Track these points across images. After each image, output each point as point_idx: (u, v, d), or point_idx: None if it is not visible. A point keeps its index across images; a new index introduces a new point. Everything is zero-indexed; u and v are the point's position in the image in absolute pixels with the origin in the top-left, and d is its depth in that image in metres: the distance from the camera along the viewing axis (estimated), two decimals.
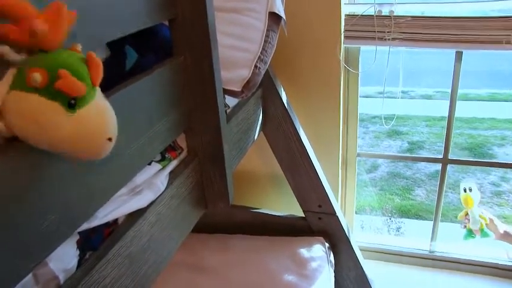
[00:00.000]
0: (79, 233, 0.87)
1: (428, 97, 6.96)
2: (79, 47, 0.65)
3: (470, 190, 2.08)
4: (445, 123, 2.19)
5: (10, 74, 0.60)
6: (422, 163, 5.35)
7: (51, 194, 0.70)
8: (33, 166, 0.66)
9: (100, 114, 0.65)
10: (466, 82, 6.47)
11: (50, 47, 0.60)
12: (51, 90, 0.58)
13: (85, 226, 0.85)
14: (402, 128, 6.07)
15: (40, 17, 0.57)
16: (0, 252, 0.62)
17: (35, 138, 0.61)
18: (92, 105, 0.63)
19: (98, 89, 0.66)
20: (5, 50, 0.58)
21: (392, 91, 2.25)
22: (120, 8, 0.85)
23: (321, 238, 2.01)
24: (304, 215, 2.05)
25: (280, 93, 1.82)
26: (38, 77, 0.57)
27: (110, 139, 0.66)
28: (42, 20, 0.57)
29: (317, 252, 1.93)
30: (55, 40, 0.60)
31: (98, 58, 0.63)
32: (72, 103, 0.60)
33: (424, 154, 5.63)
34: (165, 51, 1.11)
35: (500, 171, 5.06)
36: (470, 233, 2.10)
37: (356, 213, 2.58)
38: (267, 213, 2.12)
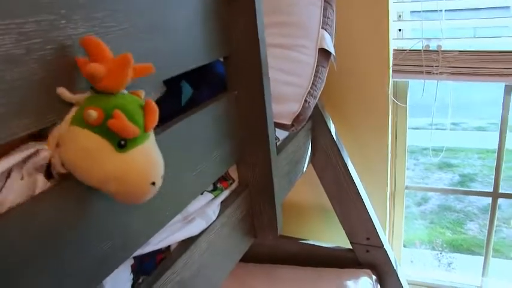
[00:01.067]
0: (133, 258, 0.91)
1: (481, 129, 6.80)
2: (142, 94, 0.70)
3: None
4: None
5: (72, 112, 0.64)
6: (474, 196, 5.22)
7: (110, 221, 0.74)
8: (95, 196, 0.70)
9: (147, 158, 0.68)
10: None
11: (109, 91, 0.64)
12: (104, 129, 0.62)
13: (139, 252, 0.89)
14: (454, 160, 5.93)
15: (105, 63, 0.62)
16: (64, 273, 0.66)
17: (82, 173, 0.64)
18: (141, 149, 0.66)
19: (152, 135, 0.70)
20: (61, 90, 0.63)
21: (443, 123, 2.24)
22: (179, 48, 0.90)
23: (368, 271, 2.00)
24: (351, 247, 2.05)
25: (329, 125, 1.85)
26: (93, 113, 0.61)
27: (153, 183, 0.68)
28: (99, 65, 0.61)
29: (364, 285, 1.92)
30: (114, 86, 0.64)
31: (155, 106, 0.67)
32: (122, 143, 0.63)
33: (476, 187, 5.46)
34: (219, 86, 1.15)
35: None
36: None
37: (405, 246, 2.55)
38: (314, 245, 2.13)
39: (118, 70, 0.63)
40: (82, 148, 0.63)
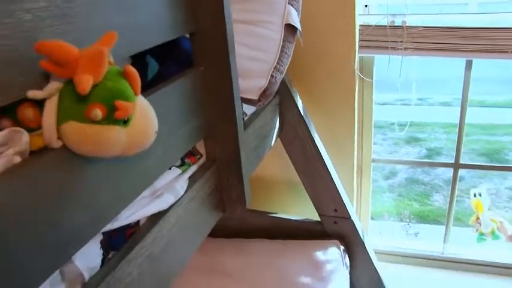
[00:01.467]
0: (103, 233, 0.91)
1: (447, 104, 6.91)
2: (111, 58, 0.71)
3: (480, 195, 2.15)
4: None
5: (51, 105, 0.65)
6: (440, 169, 5.32)
7: (82, 196, 0.75)
8: (66, 170, 0.71)
9: (144, 114, 0.74)
10: (482, 89, 6.42)
11: (95, 83, 0.65)
12: (110, 119, 0.65)
13: (109, 227, 0.89)
14: (421, 134, 6.04)
15: (83, 65, 0.63)
16: (33, 248, 0.66)
17: (96, 154, 0.69)
18: (138, 112, 0.71)
19: None
20: (32, 93, 0.63)
21: (409, 98, 2.29)
22: (145, 23, 0.90)
23: (337, 241, 2.04)
24: (319, 219, 2.08)
25: (296, 100, 1.86)
26: (99, 113, 0.64)
27: (155, 132, 0.76)
28: (87, 78, 0.62)
29: (332, 255, 1.96)
30: (98, 79, 0.65)
31: (134, 69, 0.69)
32: (126, 120, 0.68)
33: (441, 160, 5.60)
34: (186, 61, 1.16)
35: None
36: (482, 236, 2.17)
37: (374, 219, 2.60)
38: (284, 218, 2.16)
39: (97, 67, 0.64)
40: (93, 140, 0.67)
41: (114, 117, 0.65)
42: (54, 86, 0.65)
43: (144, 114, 0.74)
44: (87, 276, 0.86)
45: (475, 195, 2.17)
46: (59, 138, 0.67)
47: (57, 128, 0.66)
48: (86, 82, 0.61)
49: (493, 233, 2.18)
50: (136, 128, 0.71)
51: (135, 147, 0.73)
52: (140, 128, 0.72)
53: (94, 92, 0.64)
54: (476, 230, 2.20)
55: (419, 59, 2.03)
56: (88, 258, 0.87)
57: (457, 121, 2.16)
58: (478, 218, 2.20)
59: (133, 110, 0.68)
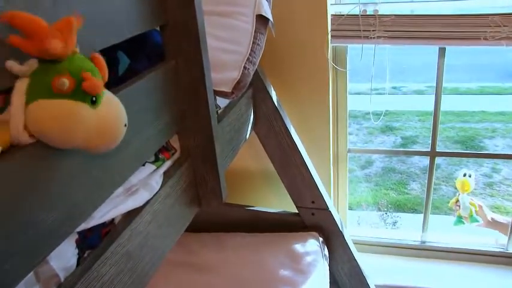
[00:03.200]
0: (78, 232, 0.90)
1: (421, 92, 6.99)
2: (77, 49, 0.69)
3: (470, 176, 2.18)
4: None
5: (22, 85, 0.63)
6: (416, 157, 5.39)
7: (55, 193, 0.73)
8: (39, 167, 0.69)
9: (113, 105, 0.73)
10: (456, 76, 6.51)
11: (62, 58, 0.64)
12: (78, 92, 0.64)
13: (83, 226, 0.87)
14: (395, 123, 6.10)
15: (52, 33, 0.61)
16: (6, 249, 0.65)
17: (65, 139, 0.66)
18: (105, 99, 0.70)
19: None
20: (10, 64, 0.61)
21: (383, 87, 2.30)
22: (113, 16, 0.88)
23: (315, 233, 2.04)
24: (297, 211, 2.08)
25: (270, 92, 1.86)
26: (66, 82, 0.62)
27: (125, 125, 0.75)
28: (56, 42, 0.61)
29: (311, 247, 1.96)
30: (66, 52, 0.64)
31: (102, 58, 0.69)
32: (93, 100, 0.66)
33: (417, 148, 5.66)
34: (157, 55, 1.14)
35: (490, 163, 5.11)
36: (460, 219, 2.21)
37: (352, 209, 2.61)
38: (261, 211, 2.15)
39: (67, 36, 0.63)
40: (59, 117, 0.64)
41: (82, 89, 0.64)
42: (32, 62, 0.64)
43: (114, 105, 0.74)
44: (62, 277, 0.85)
45: (464, 175, 2.21)
46: (26, 129, 0.65)
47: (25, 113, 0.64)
48: (56, 43, 0.60)
49: (471, 216, 2.21)
50: (106, 115, 0.70)
51: (103, 136, 0.71)
52: (110, 116, 0.71)
53: (62, 65, 0.64)
54: (455, 211, 2.25)
55: (392, 48, 2.04)
56: (63, 258, 0.85)
57: (432, 109, 2.18)
58: (457, 201, 2.24)
59: (101, 90, 0.68)
